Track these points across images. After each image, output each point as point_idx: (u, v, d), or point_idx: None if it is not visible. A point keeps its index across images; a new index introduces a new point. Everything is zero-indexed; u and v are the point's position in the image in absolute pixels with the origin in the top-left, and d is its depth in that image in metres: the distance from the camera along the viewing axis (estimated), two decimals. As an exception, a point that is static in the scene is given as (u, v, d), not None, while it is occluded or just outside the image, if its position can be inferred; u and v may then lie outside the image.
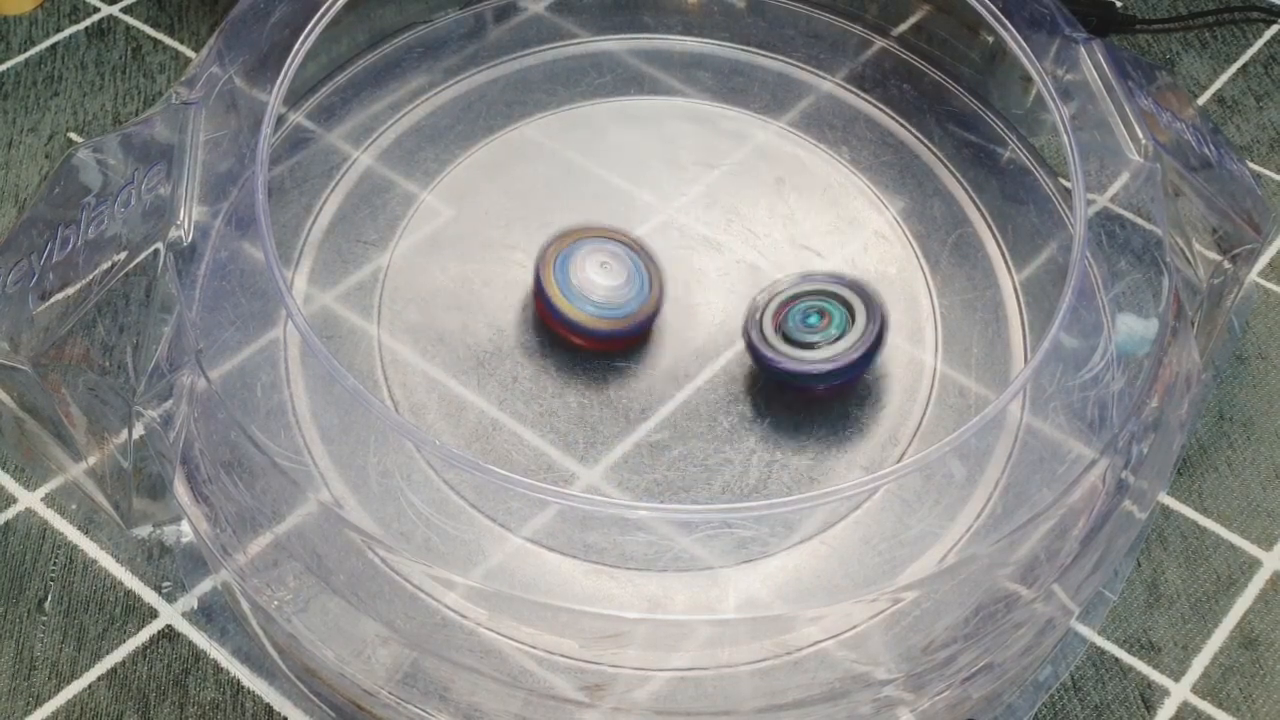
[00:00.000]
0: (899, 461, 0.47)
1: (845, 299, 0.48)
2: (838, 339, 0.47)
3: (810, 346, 0.47)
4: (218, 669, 0.45)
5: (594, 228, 0.50)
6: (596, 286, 0.48)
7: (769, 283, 0.50)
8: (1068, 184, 0.52)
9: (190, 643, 0.45)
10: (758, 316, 0.48)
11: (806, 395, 0.48)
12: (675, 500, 0.46)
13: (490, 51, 0.59)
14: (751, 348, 0.48)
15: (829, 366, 0.47)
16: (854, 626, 0.42)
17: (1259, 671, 0.45)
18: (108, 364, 0.43)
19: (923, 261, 0.53)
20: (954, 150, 0.56)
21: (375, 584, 0.42)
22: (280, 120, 0.55)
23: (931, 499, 0.46)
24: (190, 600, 0.46)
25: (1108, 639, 0.46)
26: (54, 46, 0.65)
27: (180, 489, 0.42)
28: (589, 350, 0.49)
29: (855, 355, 0.47)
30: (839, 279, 0.49)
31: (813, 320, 0.48)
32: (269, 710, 0.44)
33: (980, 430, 0.42)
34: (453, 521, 0.45)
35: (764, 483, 0.46)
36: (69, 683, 0.44)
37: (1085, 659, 0.45)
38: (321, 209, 0.53)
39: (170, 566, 0.47)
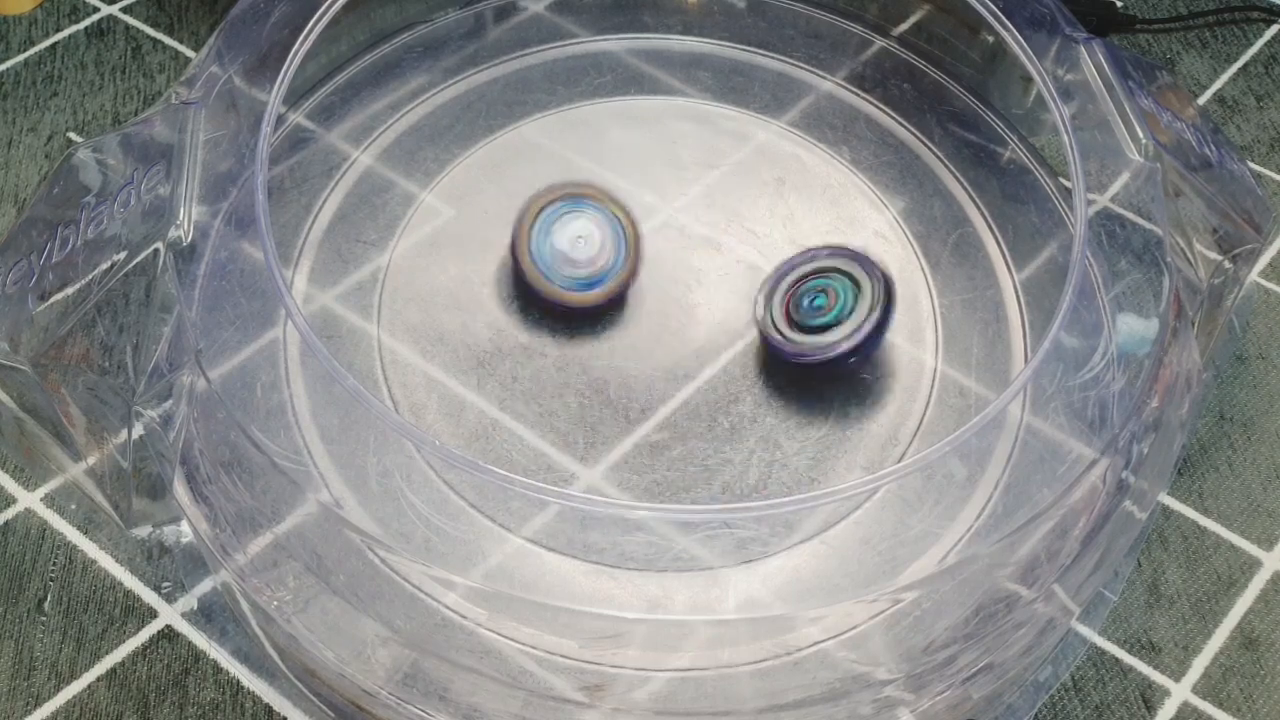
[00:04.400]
0: (899, 461, 0.47)
1: (844, 270, 0.48)
2: (849, 314, 0.47)
3: (823, 330, 0.47)
4: (218, 669, 0.45)
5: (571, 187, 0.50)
6: (571, 251, 0.49)
7: (767, 275, 0.50)
8: (1068, 184, 0.52)
9: (190, 643, 0.45)
10: (769, 315, 0.49)
11: (832, 372, 0.49)
12: (675, 500, 0.46)
13: (490, 51, 0.59)
14: (772, 346, 0.48)
15: (847, 345, 0.47)
16: (854, 627, 0.42)
17: (1259, 672, 0.45)
18: (108, 364, 0.43)
19: (923, 261, 0.53)
20: (954, 150, 0.56)
21: (375, 584, 0.42)
22: (280, 120, 0.55)
23: (932, 499, 0.46)
24: (190, 600, 0.46)
25: (1108, 639, 0.46)
26: (54, 46, 0.65)
27: (180, 489, 0.42)
28: (563, 310, 0.49)
29: (869, 327, 0.47)
30: (835, 251, 0.49)
31: (820, 302, 0.48)
32: (269, 710, 0.44)
33: (980, 430, 0.42)
34: (453, 522, 0.45)
35: (764, 483, 0.46)
36: (68, 683, 0.44)
37: (1086, 659, 0.45)
38: (321, 209, 0.53)
39: (170, 566, 0.47)
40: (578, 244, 0.49)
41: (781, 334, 0.48)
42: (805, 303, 0.48)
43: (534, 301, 0.50)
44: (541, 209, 0.50)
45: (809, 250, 0.49)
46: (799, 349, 0.47)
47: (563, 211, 0.50)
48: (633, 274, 0.50)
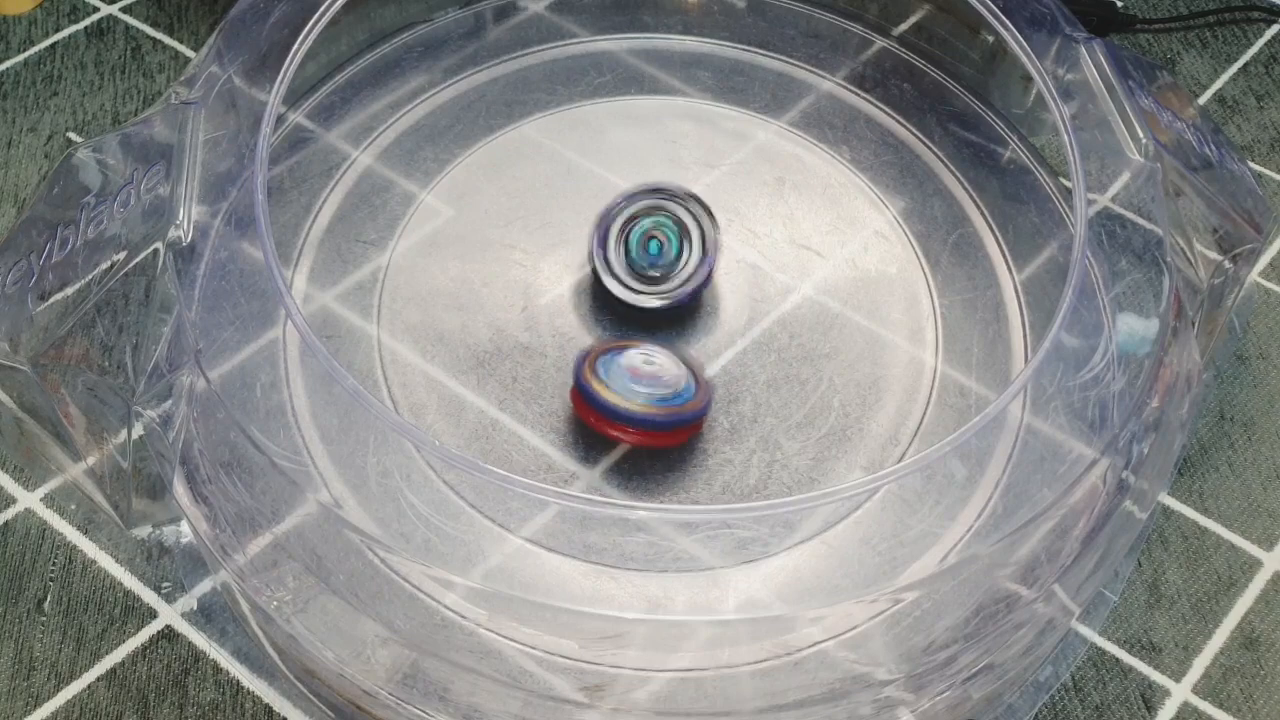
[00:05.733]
0: (899, 461, 0.47)
1: (661, 208, 0.50)
2: (684, 251, 0.49)
3: (667, 273, 0.49)
4: (217, 669, 0.45)
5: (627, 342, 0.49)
6: (643, 377, 0.46)
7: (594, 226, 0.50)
8: (1068, 184, 0.52)
9: (190, 643, 0.45)
10: (609, 270, 0.50)
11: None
12: (675, 500, 0.46)
13: (490, 51, 0.59)
14: (621, 300, 0.49)
15: (693, 285, 0.49)
16: (854, 627, 0.42)
17: (1259, 672, 0.45)
18: (107, 364, 0.43)
19: (923, 261, 0.53)
20: (954, 150, 0.56)
21: (375, 584, 0.42)
22: (280, 120, 0.55)
23: (932, 499, 0.46)
24: (190, 601, 0.46)
25: (1108, 639, 0.46)
26: (53, 46, 0.65)
27: (180, 489, 0.42)
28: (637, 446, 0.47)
29: (708, 265, 0.49)
30: (645, 193, 0.50)
31: (654, 248, 0.49)
32: (269, 710, 0.44)
33: (980, 430, 0.42)
34: (452, 522, 0.45)
35: (764, 483, 0.46)
36: (68, 683, 0.44)
37: (1086, 659, 0.45)
38: (321, 209, 0.53)
39: (170, 567, 0.47)
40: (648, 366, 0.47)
41: (630, 287, 0.49)
42: (640, 251, 0.49)
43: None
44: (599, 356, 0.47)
45: (622, 197, 0.50)
46: (652, 297, 0.49)
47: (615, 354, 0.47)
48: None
